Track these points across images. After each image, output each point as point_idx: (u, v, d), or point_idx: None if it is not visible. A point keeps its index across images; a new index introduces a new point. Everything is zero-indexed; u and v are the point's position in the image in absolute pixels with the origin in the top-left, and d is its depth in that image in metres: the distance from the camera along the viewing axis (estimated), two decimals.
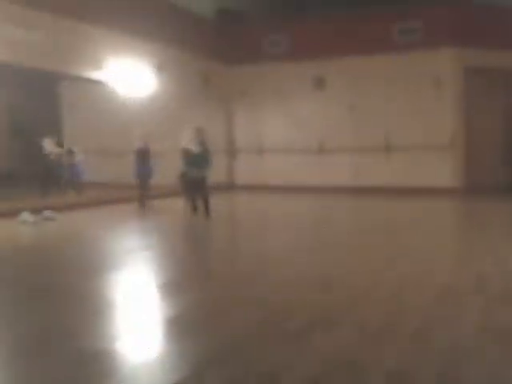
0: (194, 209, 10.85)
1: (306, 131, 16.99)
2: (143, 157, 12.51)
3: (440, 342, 3.89)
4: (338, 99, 16.58)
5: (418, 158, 15.59)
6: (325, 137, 16.81)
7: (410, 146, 15.70)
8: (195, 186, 10.72)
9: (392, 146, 15.96)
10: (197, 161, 10.61)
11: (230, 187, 17.74)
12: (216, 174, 17.49)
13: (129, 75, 13.02)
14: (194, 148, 10.68)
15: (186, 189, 11.28)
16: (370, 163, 16.23)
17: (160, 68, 14.13)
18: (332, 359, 3.60)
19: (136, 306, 5.02)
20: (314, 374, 3.39)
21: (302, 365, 3.52)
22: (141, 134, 12.77)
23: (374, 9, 15.40)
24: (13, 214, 10.53)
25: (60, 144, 15.07)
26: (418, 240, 8.33)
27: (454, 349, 3.74)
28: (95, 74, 12.37)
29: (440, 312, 4.62)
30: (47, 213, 10.76)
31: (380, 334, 4.07)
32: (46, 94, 19.56)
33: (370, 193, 15.55)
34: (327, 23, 16.30)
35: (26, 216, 10.32)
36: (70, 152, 15.02)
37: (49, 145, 14.33)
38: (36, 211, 10.60)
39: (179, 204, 12.18)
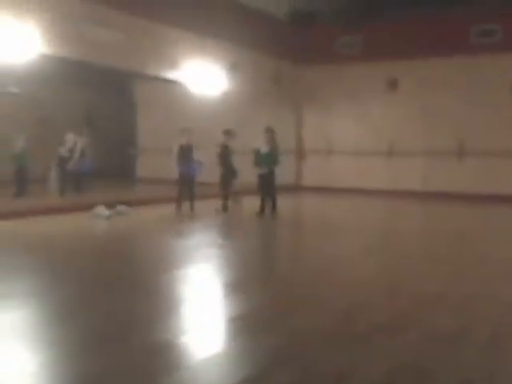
0: (262, 209, 10.96)
1: (376, 133, 16.77)
2: (185, 155, 11.52)
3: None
4: (410, 101, 16.26)
5: (492, 164, 15.06)
6: (395, 139, 16.53)
7: (483, 151, 15.20)
8: (264, 184, 10.96)
9: (465, 151, 15.50)
10: (264, 159, 10.92)
11: (297, 188, 17.73)
12: (284, 174, 17.61)
13: (202, 75, 13.24)
14: (263, 147, 10.98)
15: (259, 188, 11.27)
16: (441, 168, 15.83)
17: (233, 68, 14.31)
18: (398, 364, 3.56)
19: (203, 302, 5.13)
20: (379, 378, 3.37)
21: (368, 368, 3.50)
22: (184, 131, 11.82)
23: (449, 9, 14.98)
24: (87, 207, 10.94)
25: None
26: (491, 249, 8.07)
27: None
28: (171, 74, 12.67)
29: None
30: (120, 207, 11.11)
31: (447, 341, 3.99)
32: (121, 93, 20.22)
33: (440, 199, 15.14)
34: (401, 24, 15.99)
35: (99, 210, 10.69)
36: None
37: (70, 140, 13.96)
38: (110, 205, 10.96)
39: (246, 203, 12.29)
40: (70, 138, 13.98)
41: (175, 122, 17.89)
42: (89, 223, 10.19)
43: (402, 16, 15.64)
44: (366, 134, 16.88)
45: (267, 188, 11.00)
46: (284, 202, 11.74)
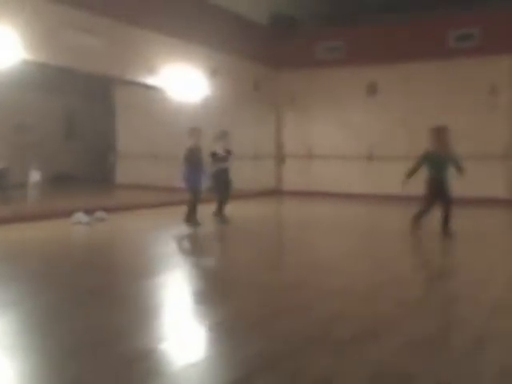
0: (418, 221, 9.55)
1: (356, 138, 16.84)
2: (195, 159, 9.96)
3: (492, 355, 3.80)
4: (390, 106, 16.38)
5: (470, 168, 15.16)
6: (375, 144, 16.63)
7: (462, 155, 15.29)
8: (432, 193, 9.43)
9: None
10: (437, 164, 9.45)
11: (277, 192, 17.75)
12: (263, 179, 17.65)
13: (182, 80, 13.20)
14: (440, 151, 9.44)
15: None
16: (420, 172, 15.90)
17: (214, 73, 14.28)
18: (381, 370, 3.56)
19: (181, 309, 5.08)
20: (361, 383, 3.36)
21: (350, 375, 3.49)
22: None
23: (428, 14, 15.13)
24: (66, 214, 10.81)
25: None
26: (473, 252, 8.11)
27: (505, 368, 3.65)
28: (150, 79, 12.61)
29: (494, 325, 4.51)
30: (99, 213, 11.00)
31: (429, 346, 4.00)
32: (100, 99, 20.09)
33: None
34: (381, 29, 16.14)
35: (79, 216, 10.58)
36: None
37: None
38: (89, 212, 10.85)
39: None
40: None
41: (154, 128, 17.91)
42: (68, 230, 10.07)
43: (382, 21, 15.75)
44: (346, 139, 16.94)
45: (438, 198, 9.35)
46: (263, 207, 11.72)
